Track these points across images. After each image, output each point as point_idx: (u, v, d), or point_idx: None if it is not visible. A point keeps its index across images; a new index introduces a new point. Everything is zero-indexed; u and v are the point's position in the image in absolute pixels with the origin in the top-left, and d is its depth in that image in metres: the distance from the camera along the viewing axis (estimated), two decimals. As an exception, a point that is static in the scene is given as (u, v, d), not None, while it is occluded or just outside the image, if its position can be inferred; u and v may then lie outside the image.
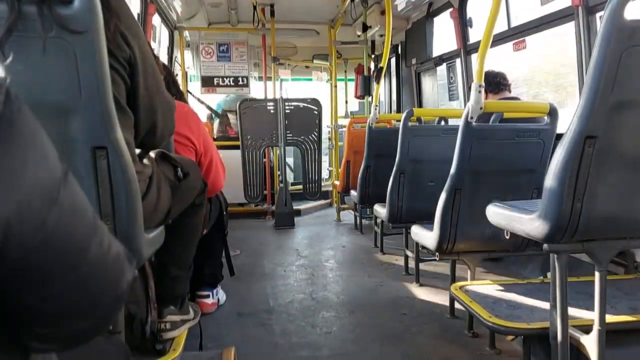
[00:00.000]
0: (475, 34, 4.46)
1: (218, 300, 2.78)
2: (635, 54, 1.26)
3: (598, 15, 2.81)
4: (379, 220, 3.99)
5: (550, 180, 1.41)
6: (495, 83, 3.24)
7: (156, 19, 4.76)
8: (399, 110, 6.31)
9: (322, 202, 6.43)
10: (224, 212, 2.71)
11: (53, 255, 0.48)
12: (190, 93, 6.13)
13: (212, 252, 2.71)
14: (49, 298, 0.50)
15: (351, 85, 7.59)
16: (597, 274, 1.50)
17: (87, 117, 1.09)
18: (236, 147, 5.43)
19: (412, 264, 3.31)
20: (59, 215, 0.47)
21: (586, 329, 1.58)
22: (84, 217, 0.52)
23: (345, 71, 7.97)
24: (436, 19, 5.29)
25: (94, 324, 0.57)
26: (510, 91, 3.32)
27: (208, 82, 6.23)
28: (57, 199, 0.47)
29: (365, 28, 5.55)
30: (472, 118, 2.16)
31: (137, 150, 1.37)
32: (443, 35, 5.19)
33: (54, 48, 1.01)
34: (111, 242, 0.56)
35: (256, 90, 6.83)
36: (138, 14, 4.01)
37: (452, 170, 2.29)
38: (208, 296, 2.70)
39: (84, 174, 1.11)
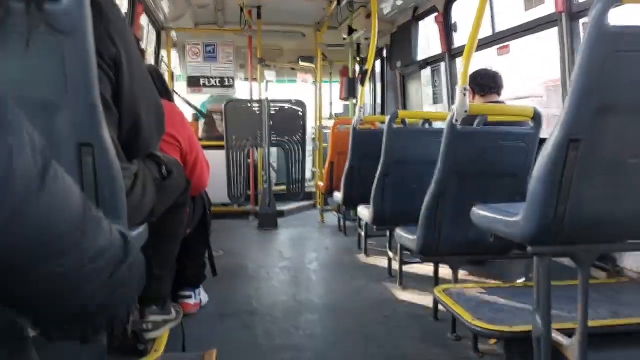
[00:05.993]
0: (459, 39, 4.50)
1: (200, 301, 2.75)
2: (618, 60, 1.28)
3: (581, 21, 2.85)
4: (362, 222, 3.99)
5: (534, 182, 1.42)
6: (481, 85, 3.18)
7: (144, 20, 4.73)
8: (383, 113, 6.33)
9: (306, 203, 6.41)
10: (208, 212, 2.69)
11: (28, 245, 0.47)
12: (176, 93, 6.10)
13: (195, 252, 2.68)
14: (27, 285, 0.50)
15: (336, 88, 7.60)
16: (579, 277, 1.52)
17: (73, 114, 1.08)
18: (221, 148, 5.40)
19: (395, 266, 3.32)
20: (36, 207, 0.47)
21: (568, 332, 1.59)
22: (66, 212, 0.51)
23: (331, 73, 7.99)
24: (421, 23, 5.32)
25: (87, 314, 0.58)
26: (499, 94, 3.22)
27: (194, 82, 6.25)
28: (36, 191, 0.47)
29: (351, 31, 5.57)
30: (457, 121, 2.18)
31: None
32: (428, 39, 5.23)
33: (41, 44, 1.00)
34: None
35: (242, 91, 6.82)
36: (126, 14, 3.97)
37: (437, 172, 2.30)
38: (190, 297, 2.66)
39: (69, 171, 1.09)
